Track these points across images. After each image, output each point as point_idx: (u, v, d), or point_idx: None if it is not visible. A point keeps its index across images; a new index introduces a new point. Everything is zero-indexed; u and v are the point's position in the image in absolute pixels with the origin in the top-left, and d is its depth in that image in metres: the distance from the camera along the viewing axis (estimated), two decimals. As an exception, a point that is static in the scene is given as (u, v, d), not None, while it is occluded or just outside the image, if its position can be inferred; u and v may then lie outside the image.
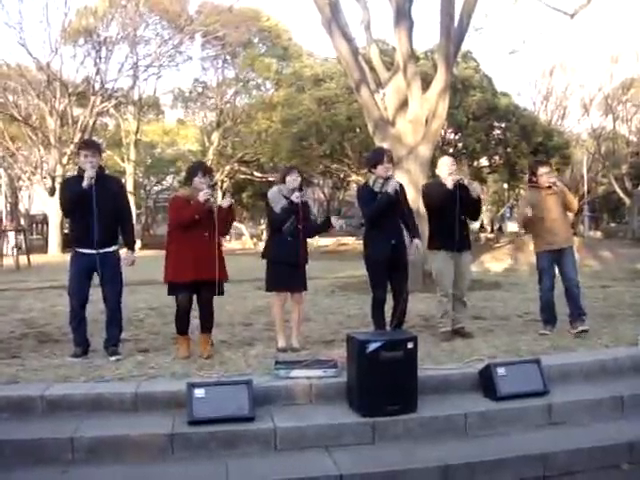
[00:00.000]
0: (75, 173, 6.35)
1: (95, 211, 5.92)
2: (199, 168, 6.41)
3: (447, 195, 6.80)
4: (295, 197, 6.40)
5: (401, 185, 6.80)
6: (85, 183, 5.92)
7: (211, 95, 42.48)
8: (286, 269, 6.43)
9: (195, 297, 6.29)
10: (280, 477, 4.22)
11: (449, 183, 6.82)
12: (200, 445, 4.52)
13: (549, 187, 7.07)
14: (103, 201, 5.98)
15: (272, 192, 6.67)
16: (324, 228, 6.96)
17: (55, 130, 32.47)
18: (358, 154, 29.93)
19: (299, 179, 6.58)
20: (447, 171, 6.97)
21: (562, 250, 7.12)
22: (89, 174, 5.93)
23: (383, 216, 6.51)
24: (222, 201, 6.31)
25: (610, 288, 11.78)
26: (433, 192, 7.01)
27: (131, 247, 6.48)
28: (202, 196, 6.06)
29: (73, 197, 6.05)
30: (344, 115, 27.13)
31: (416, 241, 6.67)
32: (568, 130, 44.24)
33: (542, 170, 7.16)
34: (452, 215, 6.83)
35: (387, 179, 6.59)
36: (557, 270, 7.22)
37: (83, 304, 6.21)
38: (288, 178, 6.55)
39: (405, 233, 6.73)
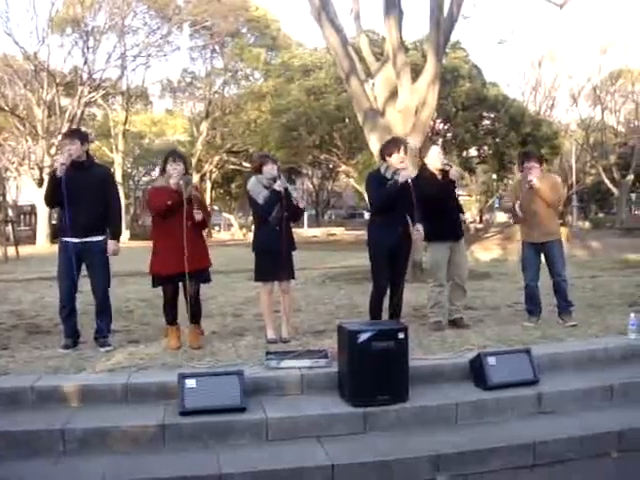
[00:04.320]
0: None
1: (66, 200, 5.84)
2: (169, 155, 6.33)
3: (445, 185, 6.84)
4: (277, 186, 6.31)
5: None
6: (59, 172, 5.87)
7: (199, 85, 42.43)
8: (271, 258, 6.39)
9: (183, 288, 6.26)
10: (272, 467, 4.21)
11: (453, 174, 6.89)
12: (191, 436, 4.52)
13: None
14: (85, 190, 5.92)
15: (251, 183, 6.56)
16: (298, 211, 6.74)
17: (43, 120, 32.31)
18: (347, 144, 29.97)
19: (275, 167, 6.47)
20: (441, 161, 6.98)
21: (544, 244, 7.10)
22: (60, 160, 5.90)
23: (392, 204, 6.41)
24: (195, 214, 6.05)
25: (599, 278, 11.83)
26: (429, 183, 6.91)
27: (116, 237, 6.36)
28: (172, 181, 6.02)
29: (48, 187, 6.03)
30: (333, 105, 27.13)
31: (418, 225, 6.59)
32: (557, 120, 44.45)
33: (526, 164, 7.12)
34: (451, 204, 6.90)
35: (399, 169, 6.52)
36: (544, 262, 7.23)
37: (72, 294, 6.15)
38: (265, 168, 6.44)
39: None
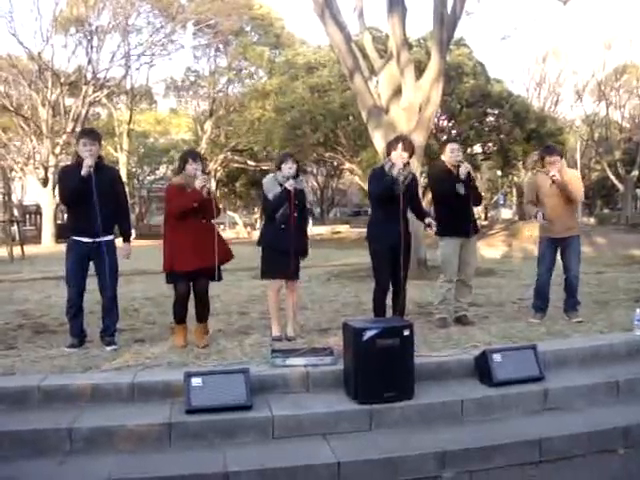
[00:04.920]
0: (70, 162, 6.30)
1: (96, 200, 5.89)
2: (190, 155, 6.37)
3: (457, 182, 6.85)
4: (289, 185, 6.35)
5: (414, 175, 6.81)
6: (84, 171, 5.88)
7: (204, 84, 42.39)
8: (279, 257, 6.40)
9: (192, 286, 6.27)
10: (278, 465, 4.22)
11: (462, 172, 6.86)
12: (198, 434, 4.53)
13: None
14: (102, 190, 5.95)
15: (267, 179, 6.64)
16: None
17: (47, 120, 32.34)
18: (352, 142, 29.94)
19: (295, 166, 6.51)
20: (457, 158, 6.99)
21: (565, 239, 7.08)
22: (88, 162, 5.90)
23: (388, 198, 6.44)
24: (196, 182, 6.09)
25: (604, 274, 11.83)
26: (443, 179, 7.01)
27: (127, 239, 6.44)
28: (199, 183, 6.04)
29: (73, 186, 6.02)
30: (337, 103, 27.12)
31: (429, 219, 6.62)
32: (561, 116, 44.36)
33: (548, 159, 7.08)
34: (464, 201, 6.89)
35: (395, 165, 6.52)
36: (560, 258, 7.22)
37: (80, 293, 6.17)
38: (283, 166, 6.49)
39: (412, 221, 6.73)
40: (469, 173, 6.93)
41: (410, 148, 6.67)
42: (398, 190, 6.37)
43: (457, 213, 6.91)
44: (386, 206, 6.48)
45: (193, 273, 6.12)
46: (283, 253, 6.35)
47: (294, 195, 6.38)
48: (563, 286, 7.24)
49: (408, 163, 6.68)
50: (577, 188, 7.11)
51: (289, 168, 6.46)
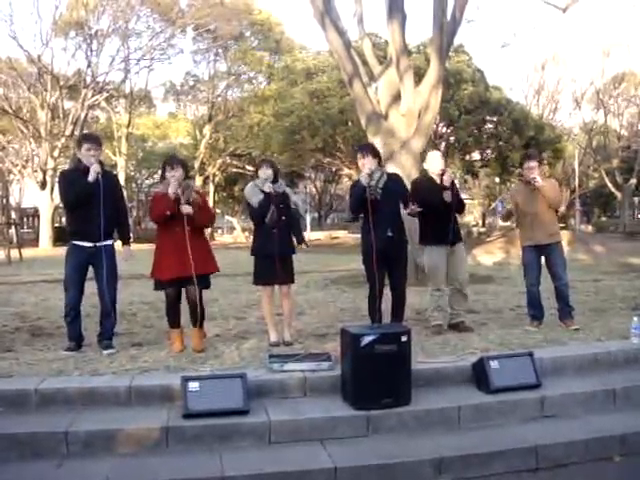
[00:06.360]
0: (68, 166, 6.32)
1: (100, 204, 5.93)
2: (167, 162, 6.36)
3: (442, 190, 6.84)
4: (266, 187, 6.40)
5: (393, 177, 6.82)
6: (92, 177, 5.94)
7: (203, 88, 42.48)
8: (267, 262, 6.41)
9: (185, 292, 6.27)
10: (275, 470, 4.22)
11: (446, 180, 6.86)
12: (195, 438, 4.53)
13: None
14: (105, 195, 6.00)
15: (248, 187, 6.71)
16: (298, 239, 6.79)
17: (46, 123, 32.36)
18: (350, 148, 29.96)
19: (270, 171, 6.52)
20: (440, 167, 7.00)
21: (547, 246, 7.09)
22: (96, 168, 5.95)
23: (359, 207, 6.55)
24: (183, 208, 6.06)
25: (602, 282, 11.82)
26: (426, 189, 6.98)
27: (127, 242, 6.48)
28: (170, 190, 6.05)
29: (79, 191, 6.04)
30: (336, 108, 27.16)
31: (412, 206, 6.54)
32: (560, 124, 44.42)
33: (527, 164, 7.18)
34: (447, 210, 6.86)
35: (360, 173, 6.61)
36: (545, 265, 7.22)
37: (79, 297, 6.19)
38: (259, 172, 6.58)
39: (408, 228, 6.74)
40: (452, 181, 6.94)
41: (372, 152, 6.74)
42: (372, 195, 6.41)
43: (441, 221, 6.89)
44: (367, 213, 6.49)
45: (177, 281, 6.12)
46: (270, 258, 6.36)
47: (276, 198, 6.42)
48: (555, 295, 7.24)
49: (380, 165, 6.76)
50: (554, 190, 7.20)
51: (264, 172, 6.52)
